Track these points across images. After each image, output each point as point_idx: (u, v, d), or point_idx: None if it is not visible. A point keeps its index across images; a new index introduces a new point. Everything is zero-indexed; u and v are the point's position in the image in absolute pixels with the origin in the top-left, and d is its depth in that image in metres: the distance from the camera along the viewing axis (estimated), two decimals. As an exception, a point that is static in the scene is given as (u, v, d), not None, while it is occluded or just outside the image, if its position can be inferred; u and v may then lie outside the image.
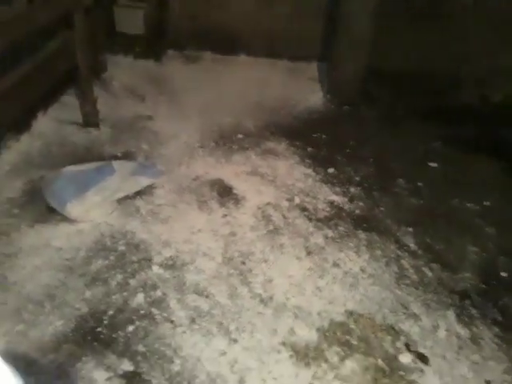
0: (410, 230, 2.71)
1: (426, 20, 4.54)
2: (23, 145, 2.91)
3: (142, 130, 3.34)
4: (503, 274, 2.49)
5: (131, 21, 4.33)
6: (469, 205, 3.00)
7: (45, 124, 3.16)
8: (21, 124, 2.97)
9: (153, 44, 4.51)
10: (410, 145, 3.63)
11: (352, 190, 3.00)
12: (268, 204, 2.75)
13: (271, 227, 2.57)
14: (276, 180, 2.99)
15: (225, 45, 4.82)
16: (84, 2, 2.76)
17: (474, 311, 2.25)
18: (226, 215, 2.61)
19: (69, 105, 3.44)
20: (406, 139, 3.70)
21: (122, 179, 2.51)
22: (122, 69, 4.18)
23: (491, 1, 4.44)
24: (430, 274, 2.43)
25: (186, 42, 4.79)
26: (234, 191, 2.83)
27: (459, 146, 3.65)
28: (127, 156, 3.01)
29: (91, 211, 2.40)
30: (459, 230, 2.78)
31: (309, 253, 2.44)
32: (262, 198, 2.80)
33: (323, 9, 4.60)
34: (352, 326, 2.06)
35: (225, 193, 2.80)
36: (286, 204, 2.78)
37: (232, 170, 3.02)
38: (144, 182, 2.61)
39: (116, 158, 2.98)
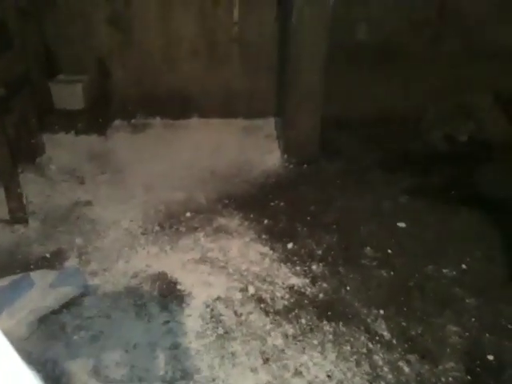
0: (382, 312, 2.38)
1: (384, 64, 4.41)
2: None
3: (78, 220, 3.00)
4: (490, 358, 2.16)
5: (70, 96, 4.08)
6: (445, 271, 2.70)
7: (-36, 226, 2.81)
8: None
9: (96, 117, 4.25)
10: (376, 202, 3.35)
11: (314, 267, 2.68)
12: (218, 299, 2.40)
13: (221, 331, 2.22)
14: (228, 265, 2.65)
15: (175, 109, 4.60)
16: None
17: (460, 415, 1.90)
18: (167, 321, 2.25)
19: (-4, 199, 3.10)
20: (371, 196, 3.43)
21: (41, 294, 2.15)
22: (62, 148, 3.87)
23: (448, 39, 4.34)
24: (407, 369, 2.09)
25: (134, 110, 4.54)
26: (179, 287, 2.48)
27: (428, 199, 3.39)
28: (57, 255, 2.66)
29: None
30: (437, 305, 2.46)
31: (266, 360, 2.08)
32: (211, 291, 2.45)
33: (273, 64, 4.44)
34: None
35: (168, 290, 2.45)
36: (238, 296, 2.43)
37: (177, 260, 2.68)
38: (69, 293, 2.25)
39: (44, 259, 2.62)
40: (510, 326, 2.31)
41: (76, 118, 4.09)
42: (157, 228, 2.96)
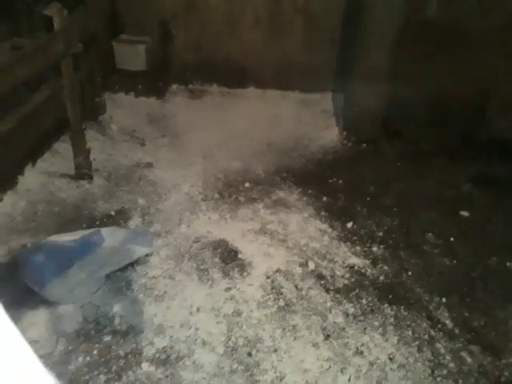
0: (444, 300, 2.33)
1: (451, 45, 4.21)
2: (5, 206, 2.63)
3: (140, 181, 3.04)
4: (555, 357, 2.09)
5: (132, 57, 4.09)
6: (509, 264, 2.61)
7: (32, 178, 2.88)
8: (5, 181, 2.70)
9: (156, 80, 4.25)
10: (438, 188, 3.25)
11: (374, 249, 2.64)
12: (278, 271, 2.41)
13: (282, 303, 2.23)
14: (287, 239, 2.65)
15: (232, 77, 4.54)
16: (72, 49, 2.48)
17: (525, 411, 1.86)
18: (229, 288, 2.28)
19: (61, 153, 3.17)
20: (433, 181, 3.33)
21: (111, 250, 2.20)
22: (123, 109, 3.91)
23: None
24: (469, 360, 2.05)
25: (192, 75, 4.51)
26: (240, 255, 2.49)
27: (492, 188, 3.27)
28: (121, 214, 2.71)
29: (75, 290, 2.09)
30: (500, 298, 2.39)
31: (327, 336, 2.08)
32: (272, 263, 2.46)
33: (336, 38, 4.30)
34: None
35: (229, 258, 2.47)
36: (298, 270, 2.43)
37: (238, 229, 2.69)
38: (137, 252, 2.29)
39: (109, 217, 2.68)
40: None
41: (137, 80, 4.12)
42: (216, 195, 2.97)
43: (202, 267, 2.39)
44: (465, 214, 3.01)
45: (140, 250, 2.30)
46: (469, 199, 3.15)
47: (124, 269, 2.30)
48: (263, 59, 4.49)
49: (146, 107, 4.02)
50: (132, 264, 2.33)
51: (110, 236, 2.24)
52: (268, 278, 2.36)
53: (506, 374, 2.01)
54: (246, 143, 3.64)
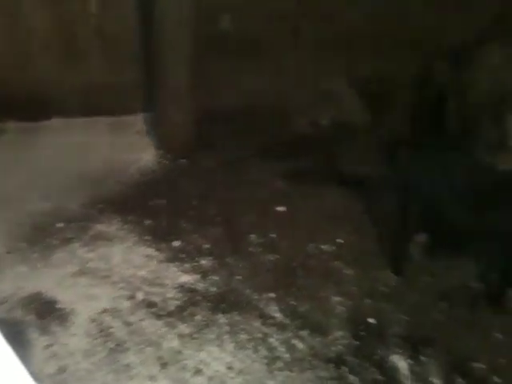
0: (273, 295, 2.45)
1: (250, 54, 4.48)
2: None
3: None
4: (371, 321, 2.35)
5: None
6: (323, 247, 2.87)
7: None
8: None
9: None
10: (254, 190, 3.42)
11: (203, 262, 2.65)
12: (104, 311, 2.25)
13: (112, 344, 2.08)
14: (111, 274, 2.50)
15: (32, 110, 4.15)
16: None
17: (352, 378, 2.04)
18: (49, 345, 2.05)
19: None
20: (248, 185, 3.49)
21: None
22: None
23: (307, 28, 4.54)
24: (301, 345, 2.18)
25: (-20, 114, 4.01)
26: (58, 305, 2.26)
27: (301, 181, 3.56)
28: None
29: None
30: (320, 279, 2.61)
31: (163, 365, 2.01)
32: (96, 304, 2.29)
33: (139, 57, 4.24)
34: None
35: (46, 311, 2.22)
36: (126, 305, 2.31)
37: (53, 276, 2.44)
38: None
39: None
40: (385, 290, 2.55)
41: None
42: (23, 245, 2.66)
43: (13, 331, 2.10)
44: (281, 209, 3.22)
45: None
46: (283, 195, 3.38)
47: None
48: (63, 87, 4.20)
49: None
50: None
51: None
52: (93, 321, 2.19)
53: (333, 348, 2.18)
54: (54, 180, 3.34)
